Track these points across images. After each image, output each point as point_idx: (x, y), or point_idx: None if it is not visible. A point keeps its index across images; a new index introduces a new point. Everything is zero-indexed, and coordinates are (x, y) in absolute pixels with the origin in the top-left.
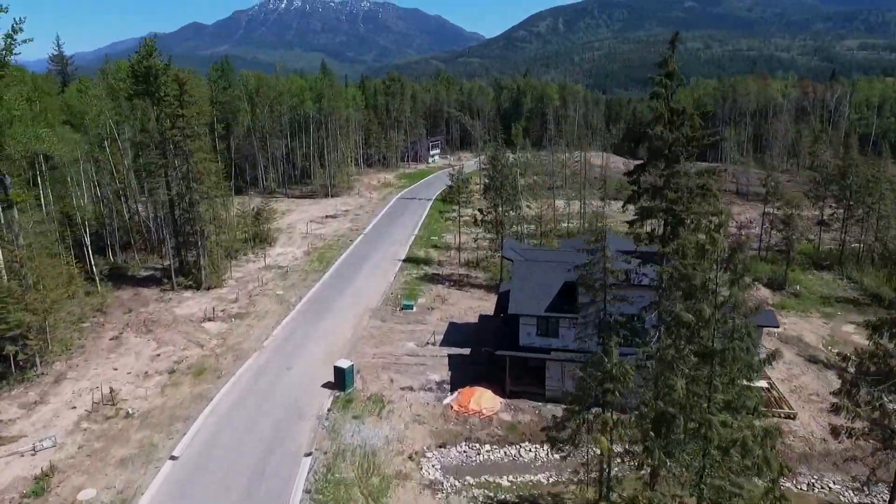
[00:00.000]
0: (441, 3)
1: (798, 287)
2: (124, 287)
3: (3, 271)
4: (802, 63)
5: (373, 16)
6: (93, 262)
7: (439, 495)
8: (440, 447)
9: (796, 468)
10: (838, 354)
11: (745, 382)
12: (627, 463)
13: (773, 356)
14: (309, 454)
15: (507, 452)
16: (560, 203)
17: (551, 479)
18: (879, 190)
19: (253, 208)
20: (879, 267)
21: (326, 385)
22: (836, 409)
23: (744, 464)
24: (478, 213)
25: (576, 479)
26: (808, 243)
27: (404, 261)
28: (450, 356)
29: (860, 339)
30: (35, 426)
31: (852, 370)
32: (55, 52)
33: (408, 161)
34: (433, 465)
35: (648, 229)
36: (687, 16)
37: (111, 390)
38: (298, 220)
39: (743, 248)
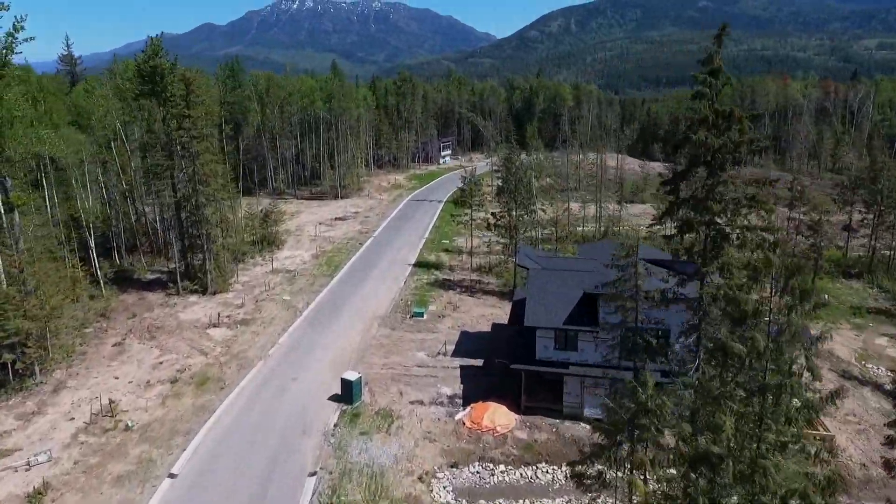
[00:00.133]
0: (453, 3)
1: (826, 296)
2: (129, 291)
3: (2, 277)
4: (819, 63)
5: (384, 16)
6: (97, 266)
7: None
8: (452, 467)
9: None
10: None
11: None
12: None
13: (837, 394)
14: (313, 474)
15: (524, 474)
16: (575, 206)
17: None
18: None
19: (261, 210)
20: None
21: (333, 398)
22: (890, 442)
23: None
24: (490, 216)
25: None
26: (837, 250)
27: (414, 265)
28: (462, 367)
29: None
30: (31, 438)
31: None
32: (64, 52)
33: (418, 162)
34: (444, 487)
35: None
36: (701, 15)
37: (110, 402)
38: (307, 222)
39: (803, 270)
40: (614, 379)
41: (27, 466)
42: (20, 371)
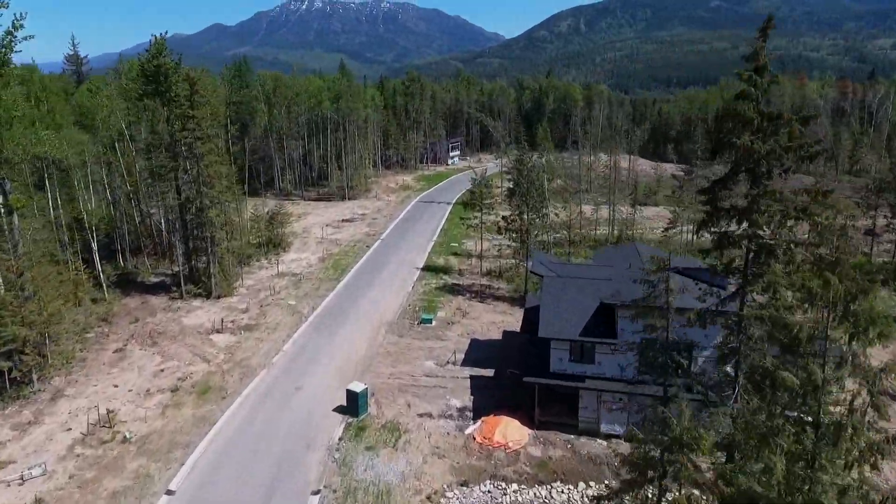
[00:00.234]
0: (462, 3)
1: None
2: (133, 294)
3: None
4: (833, 63)
5: (393, 16)
6: (100, 269)
7: None
8: (462, 486)
9: None
10: None
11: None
12: None
13: None
14: (317, 492)
15: (538, 494)
16: (587, 208)
17: None
18: None
19: (267, 212)
20: None
21: (338, 409)
22: None
23: None
24: (501, 220)
25: None
26: (864, 256)
27: (423, 269)
28: (472, 378)
29: None
30: (26, 450)
31: None
32: (70, 52)
33: (427, 163)
34: None
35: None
36: (712, 15)
37: (108, 412)
38: (314, 223)
39: (868, 292)
40: (633, 394)
41: (20, 481)
42: (17, 379)
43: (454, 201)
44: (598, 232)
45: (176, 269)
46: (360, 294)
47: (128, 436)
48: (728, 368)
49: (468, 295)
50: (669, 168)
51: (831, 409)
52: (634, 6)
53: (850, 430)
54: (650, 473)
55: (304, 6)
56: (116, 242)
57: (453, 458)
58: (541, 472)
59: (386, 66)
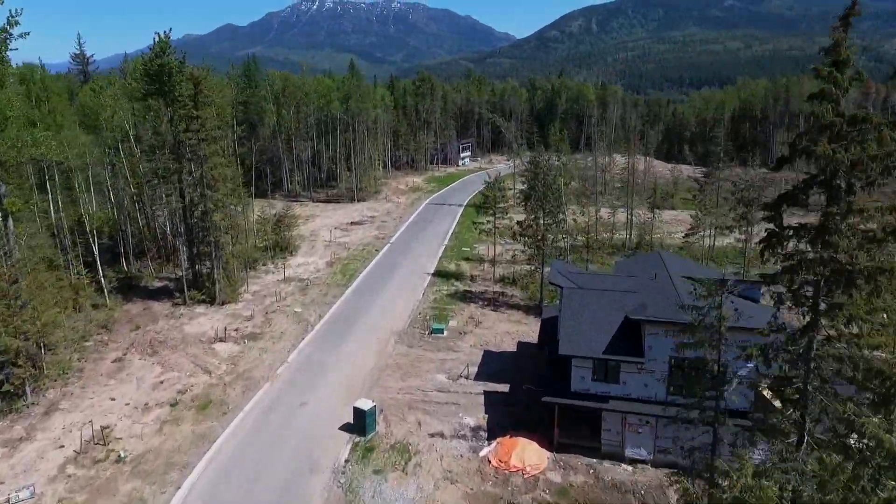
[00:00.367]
0: (472, 3)
1: (884, 315)
2: (135, 300)
3: None
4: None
5: (403, 16)
6: (102, 273)
7: None
8: None
9: None
10: None
11: None
12: None
13: None
14: None
15: None
16: (603, 212)
17: None
18: None
19: (274, 214)
20: None
21: (345, 427)
22: None
23: None
24: (516, 225)
25: None
26: None
27: (433, 275)
28: (486, 393)
29: None
30: (15, 470)
31: None
32: (77, 51)
33: (437, 164)
34: None
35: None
36: (726, 15)
37: (102, 429)
38: (322, 226)
39: None
40: (661, 417)
41: None
42: (10, 391)
43: (465, 203)
44: (615, 236)
45: (179, 273)
46: (368, 301)
47: (122, 455)
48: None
49: (481, 303)
50: (686, 170)
51: None
52: (646, 6)
53: None
54: None
55: (314, 7)
56: (120, 246)
57: (467, 483)
58: (561, 501)
59: (396, 67)
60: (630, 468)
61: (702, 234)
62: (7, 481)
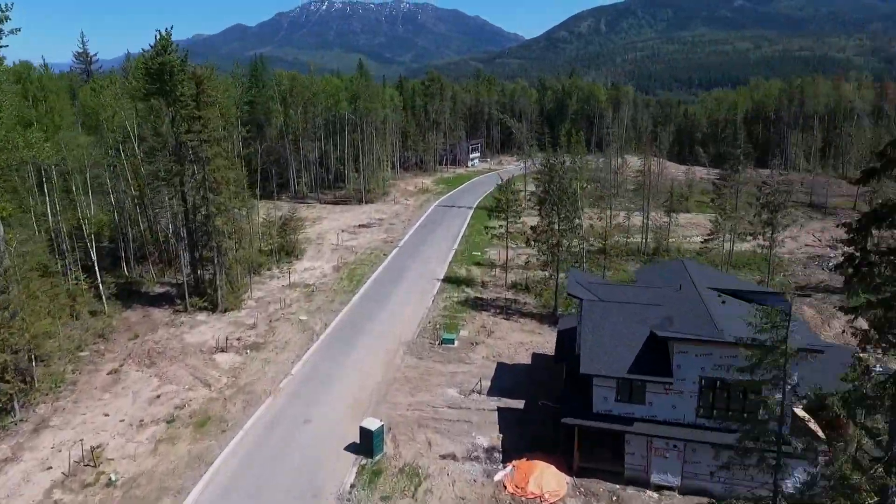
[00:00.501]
0: (481, 3)
1: None
2: (135, 306)
3: None
4: (859, 64)
5: (412, 17)
6: (100, 280)
7: None
8: None
9: None
10: None
11: None
12: None
13: None
14: None
15: None
16: (617, 215)
17: None
18: None
19: (280, 217)
20: None
21: (350, 447)
22: None
23: None
24: (530, 230)
25: None
26: None
27: (443, 281)
28: (500, 410)
29: None
30: None
31: None
32: (80, 50)
33: (446, 165)
34: None
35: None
36: (735, 15)
37: (93, 449)
38: (329, 229)
39: None
40: (691, 441)
41: None
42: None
43: (475, 205)
44: (630, 240)
45: (181, 279)
46: (376, 308)
47: (113, 478)
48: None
49: (493, 310)
50: (699, 172)
51: None
52: (655, 6)
53: None
54: None
55: (323, 7)
56: (121, 249)
57: None
58: None
59: (405, 67)
60: (656, 495)
61: (721, 239)
62: None
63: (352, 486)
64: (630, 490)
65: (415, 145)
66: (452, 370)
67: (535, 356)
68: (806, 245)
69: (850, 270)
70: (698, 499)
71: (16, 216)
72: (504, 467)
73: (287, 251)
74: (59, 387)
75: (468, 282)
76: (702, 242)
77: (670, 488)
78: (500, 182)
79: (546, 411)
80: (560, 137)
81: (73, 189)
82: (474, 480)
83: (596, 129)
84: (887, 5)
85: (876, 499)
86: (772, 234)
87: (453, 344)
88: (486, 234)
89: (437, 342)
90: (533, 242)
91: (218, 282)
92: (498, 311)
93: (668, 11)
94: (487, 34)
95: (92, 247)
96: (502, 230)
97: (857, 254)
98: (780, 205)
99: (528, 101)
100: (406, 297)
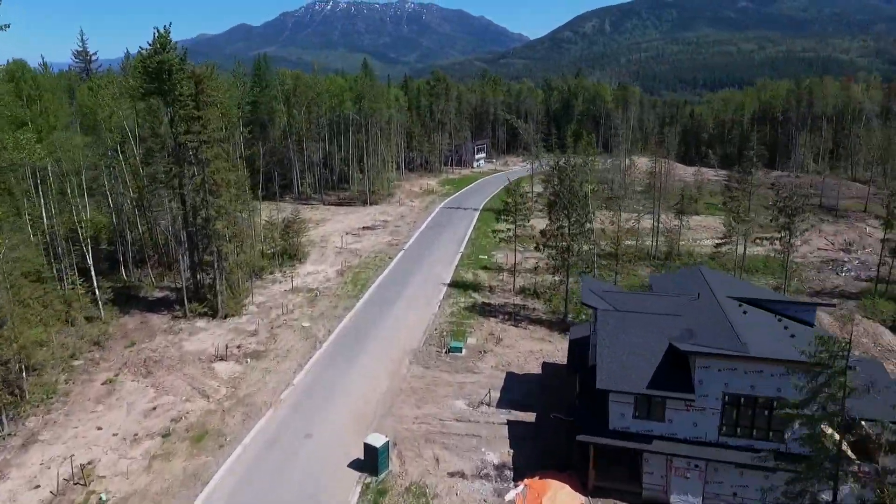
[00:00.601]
0: (486, 4)
1: None
2: (132, 312)
3: None
4: (863, 65)
5: (417, 17)
6: (97, 284)
7: None
8: None
9: None
10: None
11: None
12: None
13: None
14: None
15: None
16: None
17: None
18: None
19: (283, 220)
20: None
21: (354, 464)
22: None
23: None
24: (539, 235)
25: None
26: None
27: (450, 285)
28: (510, 424)
29: None
30: None
31: None
32: (79, 48)
33: (451, 165)
34: None
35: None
36: (739, 16)
37: (83, 467)
38: (333, 231)
39: None
40: (713, 460)
41: None
42: None
43: (482, 207)
44: (639, 243)
45: (181, 283)
46: (381, 314)
47: (104, 498)
48: None
49: (501, 317)
50: (707, 173)
51: None
52: (660, 7)
53: None
54: None
55: (328, 7)
56: (119, 253)
57: None
58: None
59: (409, 67)
60: None
61: (735, 243)
62: None
63: None
64: None
65: (420, 146)
66: (460, 380)
67: (545, 365)
68: (818, 249)
69: None
70: None
71: (10, 219)
72: (516, 486)
73: (290, 254)
74: (51, 398)
75: (475, 286)
76: (714, 247)
77: None
78: (509, 186)
79: (558, 425)
80: (566, 138)
81: (69, 191)
82: (484, 501)
83: (602, 129)
84: (891, 7)
85: None
86: (789, 239)
87: (461, 352)
88: (494, 237)
89: (443, 350)
90: (542, 247)
91: (218, 287)
92: (506, 317)
93: (673, 12)
94: (492, 34)
95: (88, 251)
96: (510, 233)
97: None
98: (797, 209)
99: (534, 101)
100: (412, 302)
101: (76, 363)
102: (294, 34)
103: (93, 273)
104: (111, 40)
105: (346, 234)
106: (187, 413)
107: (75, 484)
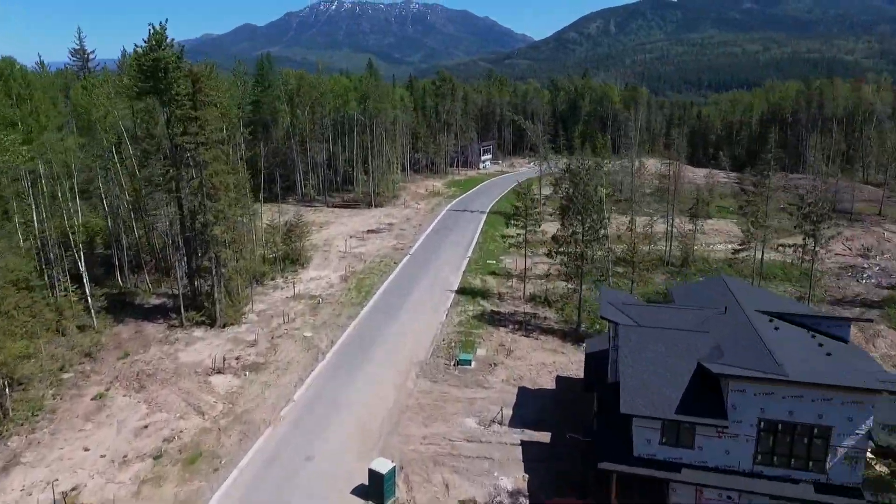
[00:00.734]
0: (491, 4)
1: None
2: (127, 320)
3: None
4: (868, 66)
5: (421, 17)
6: (89, 291)
7: None
8: None
9: None
10: None
11: None
12: None
13: None
14: None
15: None
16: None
17: None
18: None
19: (285, 223)
20: None
21: (358, 490)
22: None
23: None
24: (551, 241)
25: None
26: None
27: (457, 292)
28: (524, 445)
29: None
30: None
31: None
32: (76, 47)
33: (457, 167)
34: None
35: None
36: (744, 17)
37: (65, 495)
38: (337, 234)
39: None
40: (748, 492)
41: None
42: None
43: (489, 209)
44: (652, 248)
45: (178, 290)
46: (386, 323)
47: None
48: None
49: (511, 326)
50: (718, 175)
51: None
52: (665, 8)
53: None
54: None
55: (333, 7)
56: (115, 257)
57: None
58: None
59: (414, 67)
60: None
61: (754, 249)
62: None
63: None
64: None
65: (425, 147)
66: (470, 396)
67: (559, 380)
68: (836, 254)
69: None
70: None
71: None
72: None
73: (292, 259)
74: (37, 415)
75: (484, 293)
76: (732, 253)
77: None
78: (520, 190)
79: (575, 445)
80: (574, 139)
81: (60, 195)
82: None
83: (609, 130)
84: (894, 8)
85: None
86: (814, 247)
87: (470, 365)
88: (504, 241)
89: (452, 363)
90: (555, 254)
91: (216, 294)
92: (517, 326)
93: (677, 13)
94: (497, 35)
95: (80, 256)
96: (521, 239)
97: None
98: (823, 215)
99: (541, 101)
100: (418, 310)
101: (65, 376)
102: (299, 34)
103: (86, 279)
104: (114, 40)
105: (351, 237)
106: (181, 432)
107: None
